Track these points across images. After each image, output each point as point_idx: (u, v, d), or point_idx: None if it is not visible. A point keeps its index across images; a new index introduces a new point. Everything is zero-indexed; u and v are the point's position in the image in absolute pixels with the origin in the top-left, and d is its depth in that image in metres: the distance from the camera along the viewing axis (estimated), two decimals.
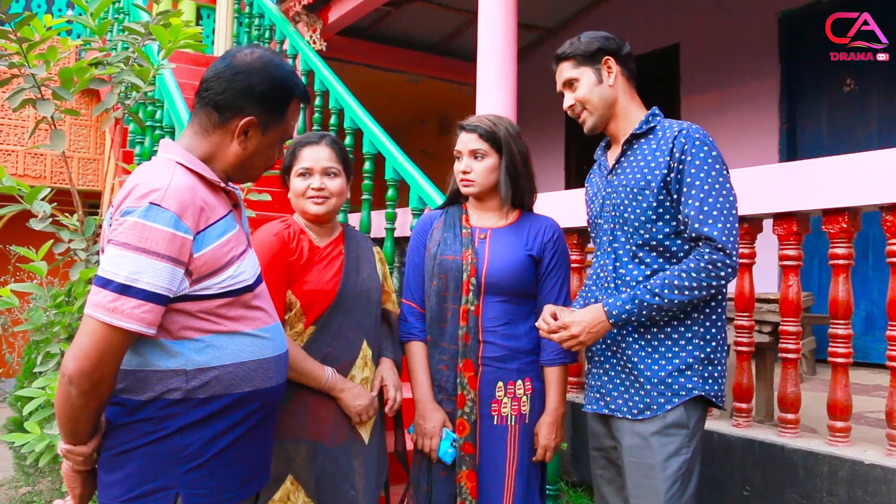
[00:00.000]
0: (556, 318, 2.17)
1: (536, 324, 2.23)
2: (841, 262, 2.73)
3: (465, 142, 2.40)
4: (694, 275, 2.02)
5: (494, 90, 4.36)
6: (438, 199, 4.02)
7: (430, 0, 7.37)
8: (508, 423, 2.34)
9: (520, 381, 2.35)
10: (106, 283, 1.48)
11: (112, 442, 1.58)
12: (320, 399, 2.19)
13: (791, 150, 6.27)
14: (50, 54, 2.89)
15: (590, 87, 2.22)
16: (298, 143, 2.34)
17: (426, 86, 8.94)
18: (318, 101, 5.53)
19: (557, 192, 3.95)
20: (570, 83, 2.26)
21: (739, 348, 3.04)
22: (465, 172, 2.40)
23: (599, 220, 2.30)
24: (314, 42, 6.81)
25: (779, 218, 2.90)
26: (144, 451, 1.56)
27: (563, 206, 3.58)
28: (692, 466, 2.09)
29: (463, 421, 2.31)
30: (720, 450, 2.95)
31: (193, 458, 1.57)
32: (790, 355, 2.88)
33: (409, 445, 2.44)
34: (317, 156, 2.30)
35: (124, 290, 1.47)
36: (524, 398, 2.36)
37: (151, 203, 1.50)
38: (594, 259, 2.34)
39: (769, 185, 2.88)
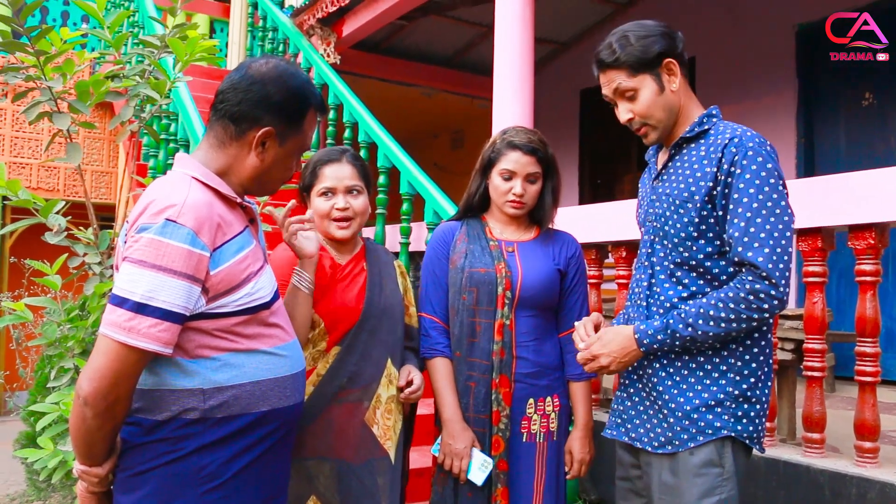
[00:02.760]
0: (596, 330, 2.03)
1: (574, 336, 2.05)
2: (868, 278, 2.68)
3: (523, 164, 2.31)
4: (732, 305, 1.78)
5: (510, 104, 4.33)
6: (453, 212, 3.99)
7: (443, 14, 7.36)
8: (537, 440, 2.31)
9: (549, 398, 2.33)
10: (122, 302, 1.44)
11: (128, 462, 1.55)
12: (345, 416, 2.15)
13: (808, 165, 6.21)
14: (67, 67, 2.87)
15: (653, 99, 1.92)
16: (319, 160, 2.27)
17: (439, 99, 8.93)
18: (332, 114, 5.53)
19: (576, 207, 3.91)
20: (624, 94, 1.95)
21: None
22: (520, 196, 2.32)
23: (642, 230, 2.10)
24: (328, 55, 6.81)
25: (803, 234, 2.84)
26: (161, 472, 1.52)
27: (580, 221, 3.55)
28: None
29: (498, 438, 2.27)
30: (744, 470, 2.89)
31: (211, 479, 1.54)
32: (815, 373, 2.82)
33: (426, 463, 2.39)
34: (339, 174, 2.24)
35: (140, 308, 1.43)
36: (552, 415, 2.33)
37: (168, 219, 1.47)
38: (633, 272, 2.16)
39: (793, 200, 2.81)
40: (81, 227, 3.11)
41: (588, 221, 3.59)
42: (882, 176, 2.62)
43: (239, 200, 1.67)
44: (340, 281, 2.22)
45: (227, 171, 1.66)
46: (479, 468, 2.23)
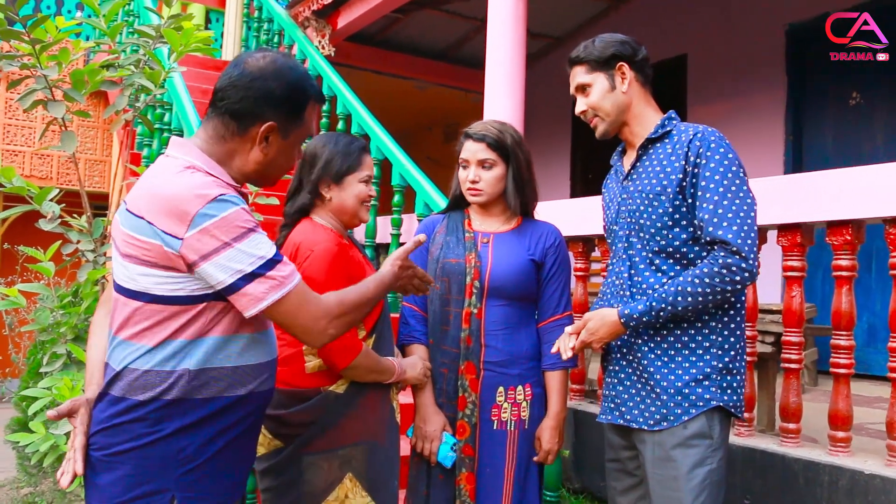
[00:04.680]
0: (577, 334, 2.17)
1: (553, 352, 2.24)
2: (844, 273, 2.74)
3: (473, 151, 2.38)
4: (707, 280, 1.95)
5: (502, 98, 4.38)
6: (444, 205, 4.04)
7: (438, 7, 7.39)
8: (508, 427, 2.35)
9: (520, 387, 2.36)
10: (265, 267, 1.53)
11: (107, 441, 1.56)
12: (379, 398, 2.24)
13: (796, 161, 6.27)
14: (62, 56, 2.91)
15: (602, 94, 2.17)
16: (364, 147, 2.36)
17: (433, 92, 8.96)
18: (326, 106, 5.57)
19: (564, 201, 3.96)
20: (582, 88, 2.22)
21: None
22: (473, 182, 2.38)
23: (615, 227, 2.26)
24: (323, 47, 6.84)
25: (783, 229, 2.91)
26: (140, 453, 1.54)
27: (569, 215, 3.61)
28: (719, 478, 2.02)
29: (463, 423, 2.32)
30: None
31: (189, 461, 1.56)
32: (792, 366, 2.90)
33: (405, 450, 2.45)
34: (371, 163, 2.38)
35: (274, 261, 1.55)
36: (524, 404, 2.37)
37: (213, 199, 1.51)
38: (609, 266, 2.30)
39: (775, 196, 2.89)
40: (75, 215, 3.15)
41: (575, 215, 3.65)
42: (859, 174, 2.68)
43: (239, 190, 1.71)
44: (366, 267, 2.29)
45: (226, 162, 1.68)
46: (449, 451, 2.30)
